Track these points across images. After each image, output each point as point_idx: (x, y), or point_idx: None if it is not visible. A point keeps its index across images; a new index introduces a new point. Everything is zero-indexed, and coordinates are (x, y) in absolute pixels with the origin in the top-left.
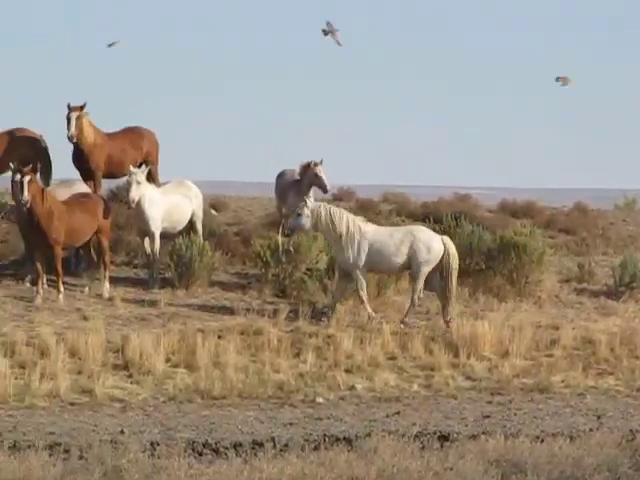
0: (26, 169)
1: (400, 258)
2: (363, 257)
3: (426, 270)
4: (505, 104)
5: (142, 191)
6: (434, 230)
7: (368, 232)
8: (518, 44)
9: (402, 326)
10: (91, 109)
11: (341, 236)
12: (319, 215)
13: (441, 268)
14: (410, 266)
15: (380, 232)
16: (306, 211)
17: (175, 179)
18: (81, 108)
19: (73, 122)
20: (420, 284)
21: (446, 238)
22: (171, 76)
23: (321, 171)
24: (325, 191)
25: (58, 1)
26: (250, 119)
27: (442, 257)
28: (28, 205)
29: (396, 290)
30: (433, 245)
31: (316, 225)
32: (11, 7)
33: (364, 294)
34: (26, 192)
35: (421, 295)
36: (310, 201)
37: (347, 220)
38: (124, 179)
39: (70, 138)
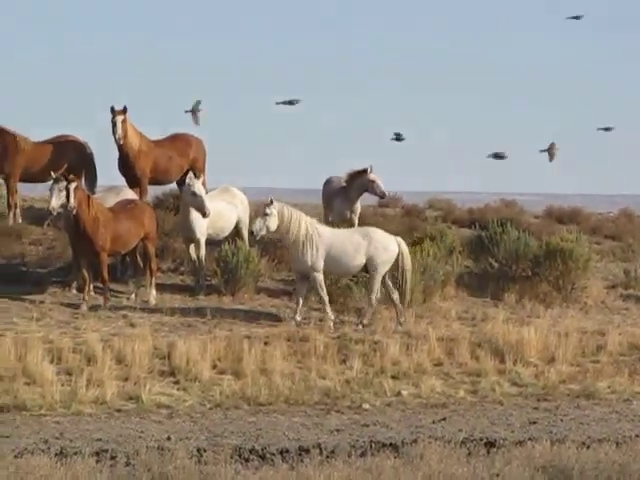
0: (71, 176)
1: (358, 260)
2: (322, 259)
3: (383, 271)
4: (551, 111)
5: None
6: (480, 237)
7: (325, 234)
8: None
9: (361, 327)
10: (134, 115)
11: (300, 238)
12: (283, 216)
13: (396, 268)
14: (367, 267)
15: (337, 234)
16: (273, 211)
17: (221, 186)
18: (124, 112)
19: (119, 125)
20: (377, 285)
21: (399, 239)
22: (217, 80)
23: (377, 177)
24: (383, 196)
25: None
26: (294, 125)
27: (396, 257)
28: (74, 212)
29: (442, 296)
30: (389, 246)
31: (279, 226)
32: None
33: (325, 295)
34: (72, 199)
35: (378, 295)
36: (274, 200)
37: (305, 222)
38: (170, 186)
39: (118, 140)
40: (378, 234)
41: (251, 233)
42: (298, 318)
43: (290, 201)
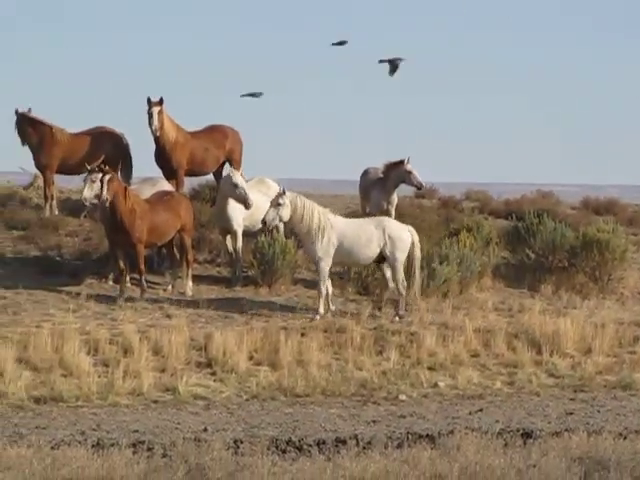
0: (106, 168)
1: (371, 250)
2: (331, 250)
3: (402, 259)
4: (590, 102)
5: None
6: (517, 228)
7: (338, 225)
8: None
9: (398, 319)
10: (171, 106)
11: (312, 228)
12: (296, 206)
13: (407, 258)
14: (386, 258)
15: (350, 225)
16: (286, 201)
17: (256, 177)
18: (160, 103)
19: (155, 116)
20: (401, 274)
21: (411, 228)
22: (253, 72)
23: (413, 168)
24: (420, 187)
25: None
26: (332, 116)
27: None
28: (107, 204)
29: (479, 287)
30: (402, 235)
31: (292, 216)
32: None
33: (324, 288)
34: (105, 191)
35: (405, 283)
36: (287, 190)
37: (318, 212)
38: (207, 178)
39: (154, 132)
40: (392, 223)
41: (264, 223)
42: (332, 308)
43: (329, 192)
